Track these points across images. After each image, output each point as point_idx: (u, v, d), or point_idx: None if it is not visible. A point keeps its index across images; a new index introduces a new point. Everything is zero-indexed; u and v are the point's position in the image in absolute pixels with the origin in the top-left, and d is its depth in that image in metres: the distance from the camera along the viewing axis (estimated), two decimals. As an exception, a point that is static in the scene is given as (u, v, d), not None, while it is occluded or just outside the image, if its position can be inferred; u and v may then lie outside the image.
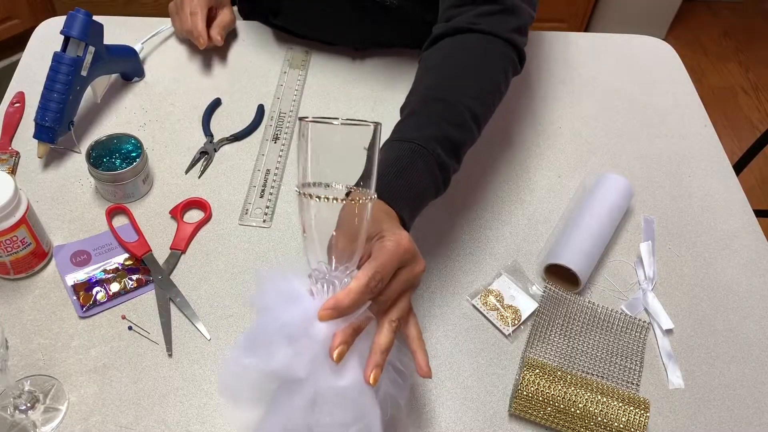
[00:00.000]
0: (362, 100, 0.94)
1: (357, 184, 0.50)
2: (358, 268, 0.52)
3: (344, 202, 0.49)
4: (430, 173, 0.63)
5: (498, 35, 0.72)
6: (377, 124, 0.50)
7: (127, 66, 0.93)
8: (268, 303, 0.51)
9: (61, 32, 0.79)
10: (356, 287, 0.49)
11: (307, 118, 0.50)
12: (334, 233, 0.50)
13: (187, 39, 1.00)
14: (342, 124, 0.49)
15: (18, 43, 2.05)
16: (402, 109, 0.69)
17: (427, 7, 0.85)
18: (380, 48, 1.00)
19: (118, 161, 0.78)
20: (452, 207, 0.82)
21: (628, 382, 0.68)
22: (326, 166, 0.50)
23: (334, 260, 0.51)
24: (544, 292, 0.74)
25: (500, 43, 0.72)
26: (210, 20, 0.96)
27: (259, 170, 0.85)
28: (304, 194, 0.50)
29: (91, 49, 0.81)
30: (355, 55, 1.00)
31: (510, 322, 0.71)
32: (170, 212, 0.79)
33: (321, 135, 0.50)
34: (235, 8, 1.09)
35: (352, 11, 0.93)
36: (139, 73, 0.95)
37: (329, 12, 0.94)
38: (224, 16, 0.97)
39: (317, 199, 0.49)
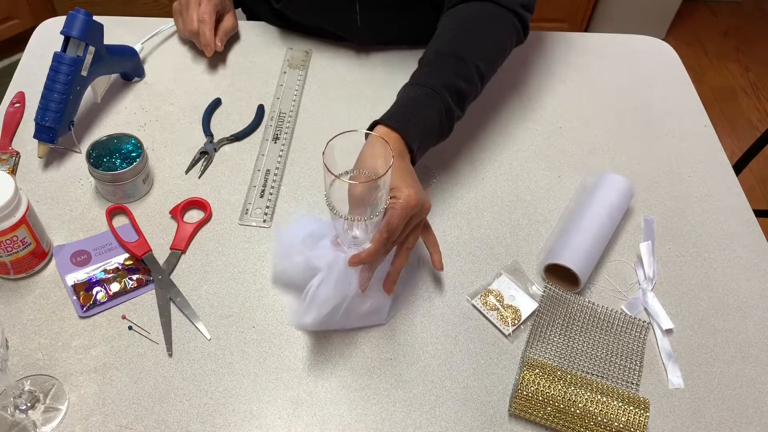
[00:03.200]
0: (362, 100, 0.94)
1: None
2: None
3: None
4: (439, 116, 0.73)
5: (508, 7, 0.82)
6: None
7: (127, 66, 0.93)
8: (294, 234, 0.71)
9: (61, 32, 0.79)
10: (374, 248, 0.62)
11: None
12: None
13: (187, 40, 1.00)
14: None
15: (18, 43, 2.05)
16: (420, 60, 0.78)
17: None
18: (382, 45, 1.00)
19: (118, 161, 0.78)
20: (453, 207, 0.82)
21: (628, 382, 0.68)
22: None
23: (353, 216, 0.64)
24: (544, 292, 0.74)
25: (509, 14, 0.82)
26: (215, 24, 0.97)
27: (259, 170, 0.85)
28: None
29: (91, 49, 0.81)
30: (355, 54, 1.00)
31: (510, 321, 0.72)
32: (170, 212, 0.79)
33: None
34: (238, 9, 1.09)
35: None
36: (139, 73, 0.95)
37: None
38: (228, 21, 0.99)
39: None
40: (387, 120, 0.70)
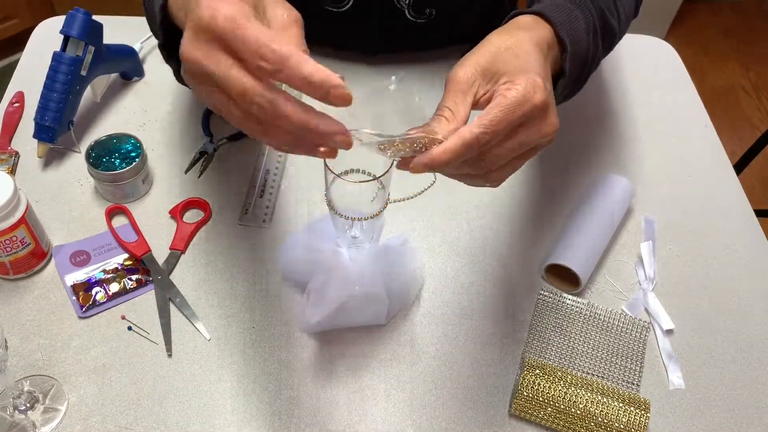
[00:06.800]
0: (362, 99, 0.93)
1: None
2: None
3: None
4: (588, 32, 0.58)
5: None
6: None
7: (127, 65, 0.93)
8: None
9: (61, 32, 0.79)
10: (454, 146, 0.43)
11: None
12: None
13: None
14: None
15: (17, 42, 2.04)
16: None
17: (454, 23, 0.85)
18: (391, 54, 0.97)
19: (117, 161, 0.78)
20: (453, 207, 0.82)
21: (628, 383, 0.68)
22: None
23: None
24: (543, 292, 0.74)
25: None
26: None
27: (258, 170, 0.84)
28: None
29: (91, 48, 0.81)
30: (357, 52, 0.99)
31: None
32: (170, 212, 0.79)
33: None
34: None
35: (362, 16, 0.89)
36: (139, 73, 0.95)
37: (336, 15, 0.90)
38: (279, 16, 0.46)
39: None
40: (534, 9, 0.54)
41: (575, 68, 0.57)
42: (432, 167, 0.44)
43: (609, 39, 0.65)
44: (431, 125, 0.46)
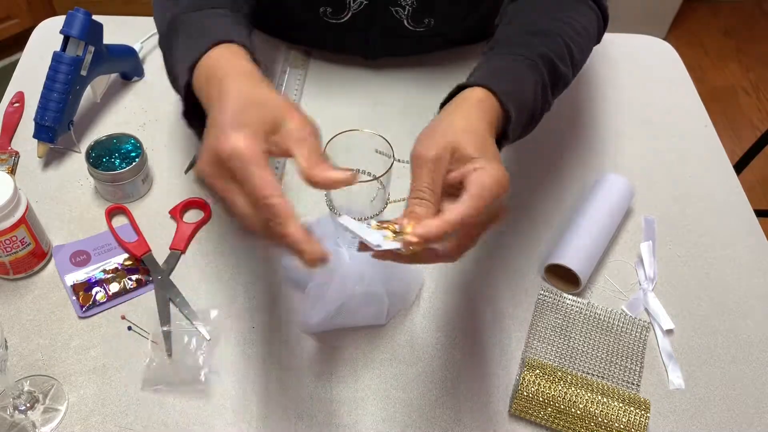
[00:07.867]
0: (362, 99, 0.93)
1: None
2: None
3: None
4: (535, 90, 0.61)
5: None
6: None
7: (127, 65, 0.93)
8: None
9: (61, 32, 0.79)
10: (436, 232, 0.48)
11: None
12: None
13: None
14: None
15: (17, 42, 2.05)
16: (496, 41, 0.67)
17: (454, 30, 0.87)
18: (392, 57, 0.97)
19: (117, 161, 0.78)
20: (452, 207, 0.82)
21: (628, 383, 0.68)
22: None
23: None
24: (543, 292, 0.74)
25: (586, 4, 0.72)
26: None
27: (258, 170, 0.84)
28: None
29: (91, 48, 0.81)
30: (359, 59, 0.99)
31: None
32: (170, 212, 0.79)
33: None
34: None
35: (361, 26, 0.90)
36: (139, 73, 0.95)
37: (335, 25, 0.90)
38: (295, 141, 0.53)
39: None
40: (482, 81, 0.57)
41: (518, 127, 0.61)
42: (423, 240, 0.48)
43: (560, 87, 0.68)
44: (416, 211, 0.51)
